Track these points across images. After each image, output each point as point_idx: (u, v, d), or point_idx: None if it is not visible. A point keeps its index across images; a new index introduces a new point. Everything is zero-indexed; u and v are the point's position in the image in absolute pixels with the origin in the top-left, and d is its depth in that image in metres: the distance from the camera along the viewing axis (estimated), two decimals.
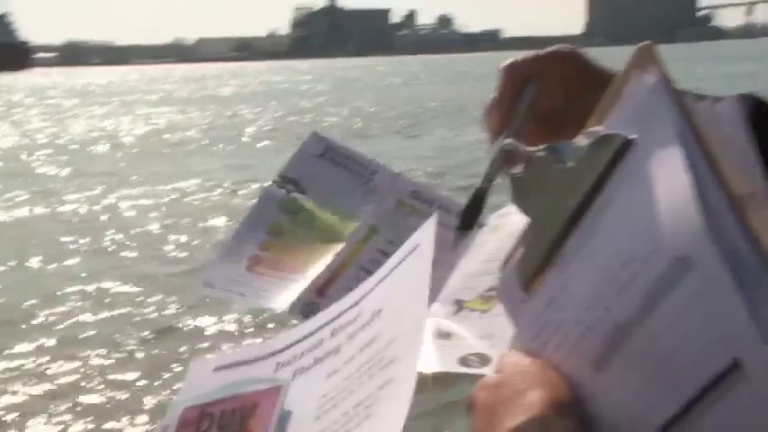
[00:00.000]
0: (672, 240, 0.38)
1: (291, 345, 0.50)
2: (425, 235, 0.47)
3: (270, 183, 0.73)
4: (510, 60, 0.60)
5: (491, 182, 0.54)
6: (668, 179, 0.39)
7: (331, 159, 0.73)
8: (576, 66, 0.60)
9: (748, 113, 0.42)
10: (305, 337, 0.50)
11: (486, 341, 0.57)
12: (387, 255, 0.55)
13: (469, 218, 0.55)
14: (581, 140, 0.45)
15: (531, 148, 0.47)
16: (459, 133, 14.60)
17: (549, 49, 0.60)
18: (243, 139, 16.52)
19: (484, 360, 0.55)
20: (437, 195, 0.74)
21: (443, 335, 0.60)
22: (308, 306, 0.65)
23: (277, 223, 0.71)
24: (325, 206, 0.71)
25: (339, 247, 0.68)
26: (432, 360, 0.57)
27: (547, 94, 0.58)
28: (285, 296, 0.66)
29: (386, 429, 0.40)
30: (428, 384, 0.50)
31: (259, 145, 15.17)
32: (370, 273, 0.51)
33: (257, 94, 34.45)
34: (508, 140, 0.50)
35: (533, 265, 0.45)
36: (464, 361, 0.56)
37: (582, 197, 0.43)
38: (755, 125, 0.42)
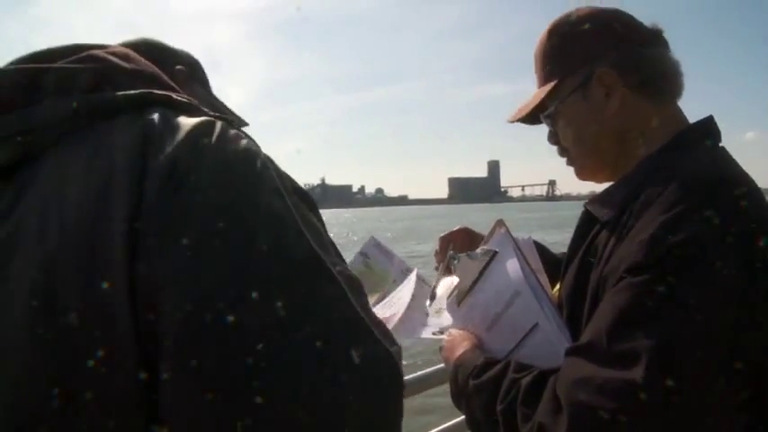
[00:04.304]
0: (512, 285, 1.09)
1: None
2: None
3: (357, 252, 1.41)
4: (444, 233, 1.34)
5: (439, 276, 1.25)
6: (510, 266, 1.11)
7: (377, 247, 1.41)
8: (468, 233, 1.35)
9: (533, 241, 1.17)
10: None
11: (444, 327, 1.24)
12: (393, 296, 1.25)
13: (434, 287, 1.25)
14: (479, 251, 1.17)
15: (462, 254, 1.18)
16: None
17: (458, 227, 1.35)
18: None
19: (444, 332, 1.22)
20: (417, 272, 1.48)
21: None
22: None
23: (360, 267, 1.36)
24: (377, 266, 1.39)
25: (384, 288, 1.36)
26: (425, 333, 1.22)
27: (456, 244, 1.32)
28: None
29: None
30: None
31: None
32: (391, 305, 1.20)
33: None
34: (450, 253, 1.21)
35: (461, 296, 1.14)
36: (435, 333, 1.22)
37: (479, 271, 1.14)
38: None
